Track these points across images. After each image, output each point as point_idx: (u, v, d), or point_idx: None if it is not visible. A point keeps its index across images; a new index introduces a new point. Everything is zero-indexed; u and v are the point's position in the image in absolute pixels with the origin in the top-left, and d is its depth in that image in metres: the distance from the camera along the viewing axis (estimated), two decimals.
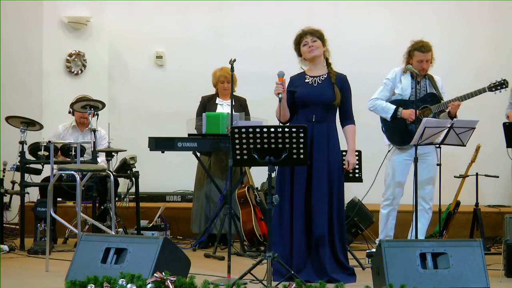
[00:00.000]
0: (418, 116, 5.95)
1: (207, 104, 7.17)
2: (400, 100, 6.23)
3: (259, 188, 7.46)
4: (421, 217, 6.08)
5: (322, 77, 5.43)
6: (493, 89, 6.19)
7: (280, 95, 5.13)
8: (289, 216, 5.30)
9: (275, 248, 5.18)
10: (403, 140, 6.18)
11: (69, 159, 6.69)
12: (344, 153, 5.50)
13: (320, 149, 5.31)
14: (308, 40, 5.41)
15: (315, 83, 5.42)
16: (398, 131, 6.20)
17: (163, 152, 6.53)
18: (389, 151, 6.27)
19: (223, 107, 7.11)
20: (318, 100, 5.34)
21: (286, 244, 5.29)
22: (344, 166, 5.41)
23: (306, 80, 5.43)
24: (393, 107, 6.17)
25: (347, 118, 5.50)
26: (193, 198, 7.26)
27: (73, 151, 6.65)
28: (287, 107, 5.36)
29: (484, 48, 8.37)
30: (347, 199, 5.55)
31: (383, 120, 6.28)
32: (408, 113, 6.13)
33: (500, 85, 6.20)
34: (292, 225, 5.30)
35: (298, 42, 5.47)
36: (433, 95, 6.24)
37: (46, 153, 6.64)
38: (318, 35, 5.43)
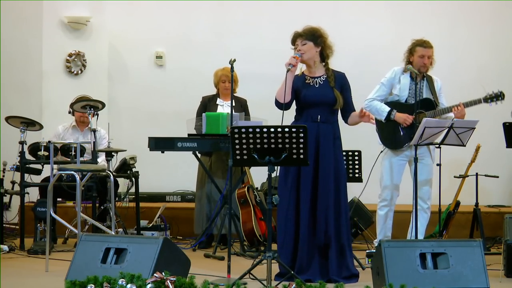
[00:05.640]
0: (413, 121, 5.95)
1: (208, 104, 7.17)
2: (396, 102, 6.18)
3: (259, 188, 7.45)
4: (420, 216, 6.06)
5: (323, 78, 5.41)
6: (489, 100, 6.13)
7: (290, 66, 5.12)
8: (294, 216, 5.28)
9: (279, 247, 5.17)
10: (392, 143, 6.16)
11: (69, 159, 6.69)
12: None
13: (326, 149, 5.30)
14: (298, 43, 5.35)
15: (316, 84, 5.39)
16: (388, 134, 6.17)
17: (163, 152, 6.53)
18: (382, 151, 6.25)
19: (224, 107, 7.10)
20: (322, 101, 5.33)
21: (290, 243, 5.27)
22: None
23: (307, 81, 5.41)
24: (388, 108, 6.12)
25: (351, 112, 5.49)
26: (195, 199, 7.26)
27: (73, 151, 6.64)
28: (291, 85, 5.29)
29: (484, 48, 8.35)
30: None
31: (377, 120, 6.25)
32: (403, 118, 6.08)
33: (496, 97, 6.14)
34: (297, 224, 5.28)
35: (293, 44, 5.40)
36: (428, 101, 6.17)
37: (46, 153, 6.64)
38: (309, 36, 5.34)
